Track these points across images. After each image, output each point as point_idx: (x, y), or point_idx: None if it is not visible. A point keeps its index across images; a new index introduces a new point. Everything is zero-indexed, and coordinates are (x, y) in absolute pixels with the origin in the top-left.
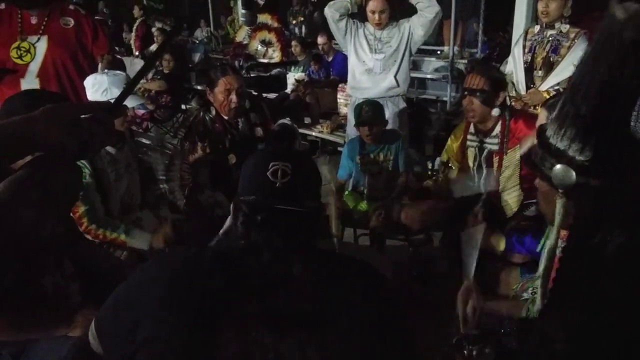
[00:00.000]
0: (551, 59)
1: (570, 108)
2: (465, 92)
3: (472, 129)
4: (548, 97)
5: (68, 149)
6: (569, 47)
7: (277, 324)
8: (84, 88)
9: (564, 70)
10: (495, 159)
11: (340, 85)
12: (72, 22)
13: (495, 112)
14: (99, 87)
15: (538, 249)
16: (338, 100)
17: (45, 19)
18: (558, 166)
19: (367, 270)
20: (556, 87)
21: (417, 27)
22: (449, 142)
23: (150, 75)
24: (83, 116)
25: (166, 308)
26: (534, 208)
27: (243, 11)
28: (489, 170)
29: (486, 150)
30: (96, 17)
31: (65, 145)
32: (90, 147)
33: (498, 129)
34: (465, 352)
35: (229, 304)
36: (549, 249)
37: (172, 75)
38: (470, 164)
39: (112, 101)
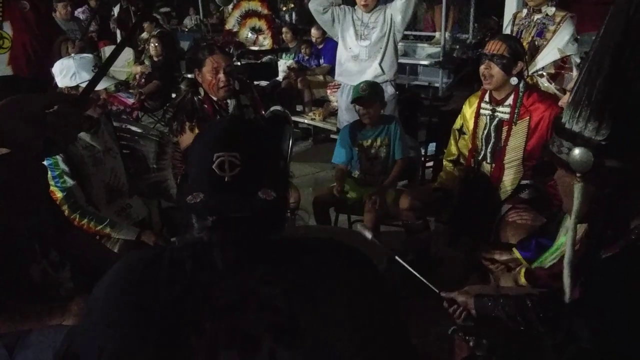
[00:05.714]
0: (536, 43)
1: (584, 90)
2: (485, 58)
3: (486, 97)
4: (531, 82)
5: (32, 147)
6: (554, 31)
7: (245, 343)
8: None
9: (549, 54)
10: (504, 129)
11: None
12: (27, 5)
13: (514, 81)
14: (67, 72)
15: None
16: (327, 90)
17: (1, 3)
18: (576, 149)
19: (345, 257)
20: (540, 72)
21: (395, 11)
22: (463, 108)
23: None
24: (48, 111)
25: (131, 321)
26: (530, 191)
27: None
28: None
29: (497, 119)
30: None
31: (29, 143)
32: (56, 143)
33: (511, 99)
34: (463, 342)
35: (193, 320)
36: (570, 242)
37: (162, 64)
38: (480, 132)
39: (81, 86)
